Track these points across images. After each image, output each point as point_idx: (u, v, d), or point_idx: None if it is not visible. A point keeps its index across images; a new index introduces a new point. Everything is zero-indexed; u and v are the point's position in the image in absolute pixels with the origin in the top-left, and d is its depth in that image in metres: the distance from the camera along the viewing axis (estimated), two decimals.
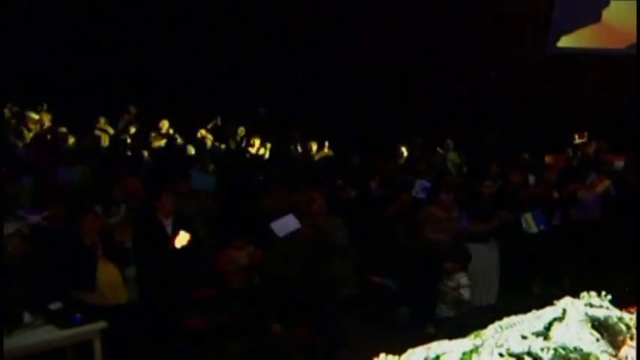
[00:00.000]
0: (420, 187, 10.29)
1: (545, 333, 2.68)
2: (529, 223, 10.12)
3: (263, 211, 9.79)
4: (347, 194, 10.30)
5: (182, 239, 8.10)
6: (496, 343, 2.55)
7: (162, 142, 15.11)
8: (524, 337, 2.63)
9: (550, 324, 2.72)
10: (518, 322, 2.80)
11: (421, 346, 2.63)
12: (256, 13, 19.78)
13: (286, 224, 8.76)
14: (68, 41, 20.76)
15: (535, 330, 2.70)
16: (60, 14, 20.57)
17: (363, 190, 10.52)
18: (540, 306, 2.86)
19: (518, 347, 2.52)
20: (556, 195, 10.93)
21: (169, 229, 8.31)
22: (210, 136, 15.57)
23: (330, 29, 19.06)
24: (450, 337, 2.62)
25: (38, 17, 19.90)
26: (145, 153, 13.37)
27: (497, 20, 17.71)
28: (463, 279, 8.89)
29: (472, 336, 2.69)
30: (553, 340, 2.61)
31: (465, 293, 8.84)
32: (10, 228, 8.18)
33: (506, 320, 2.82)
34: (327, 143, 15.53)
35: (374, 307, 9.22)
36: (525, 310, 2.88)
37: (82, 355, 6.93)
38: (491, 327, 2.78)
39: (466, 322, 8.96)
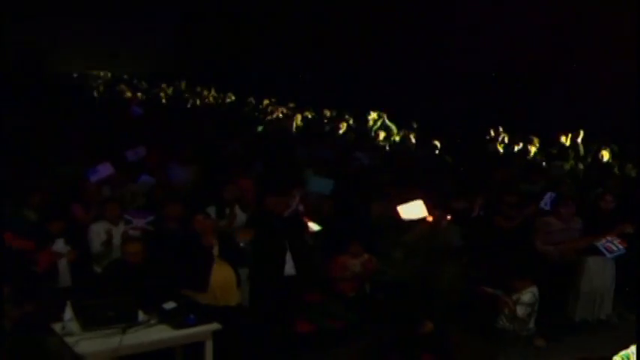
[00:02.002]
0: (548, 198, 10.01)
1: None
2: None
3: (372, 218, 9.70)
4: (461, 205, 10.04)
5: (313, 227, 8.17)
6: None
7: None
8: None
9: None
10: None
11: None
12: (376, 21, 19.87)
13: (413, 210, 8.67)
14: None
15: None
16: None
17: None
18: None
19: None
20: None
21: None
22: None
23: (450, 35, 18.92)
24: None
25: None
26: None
27: (604, 25, 17.05)
28: (526, 296, 8.53)
29: (618, 358, 2.52)
30: None
31: (520, 310, 8.49)
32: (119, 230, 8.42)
33: None
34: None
35: (483, 316, 8.98)
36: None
37: (190, 354, 6.99)
38: (633, 348, 2.60)
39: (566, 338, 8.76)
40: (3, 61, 21.52)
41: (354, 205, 9.92)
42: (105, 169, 9.87)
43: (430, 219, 8.94)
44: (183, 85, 24.06)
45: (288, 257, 8.35)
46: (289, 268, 8.34)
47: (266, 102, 21.02)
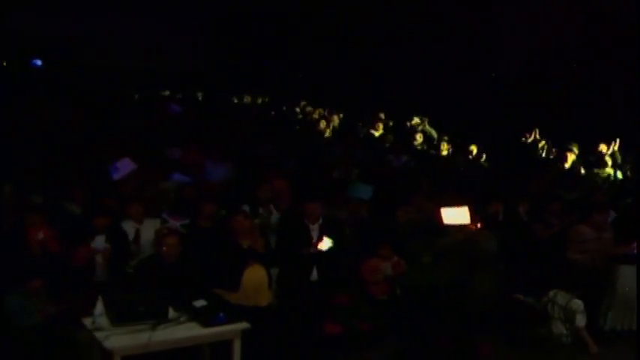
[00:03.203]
0: None
1: None
2: None
3: (398, 223, 9.68)
4: (494, 209, 9.97)
5: (325, 244, 8.13)
6: None
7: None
8: None
9: None
10: None
11: None
12: (408, 18, 19.86)
13: (457, 215, 8.68)
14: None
15: None
16: None
17: (511, 212, 10.14)
18: None
19: None
20: None
21: (315, 234, 8.37)
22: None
23: (490, 41, 18.84)
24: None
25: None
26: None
27: None
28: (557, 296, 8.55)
29: None
30: None
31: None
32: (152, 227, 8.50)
33: None
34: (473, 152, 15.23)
35: (515, 325, 8.92)
36: None
37: (218, 352, 7.01)
38: None
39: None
40: (44, 57, 21.92)
41: (384, 208, 9.91)
42: (126, 166, 9.76)
43: (472, 227, 8.88)
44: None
45: None
46: (314, 275, 8.39)
47: (303, 103, 21.07)
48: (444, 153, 15.29)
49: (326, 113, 19.28)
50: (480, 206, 9.58)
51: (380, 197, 10.13)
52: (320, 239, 8.25)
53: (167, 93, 21.50)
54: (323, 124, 17.63)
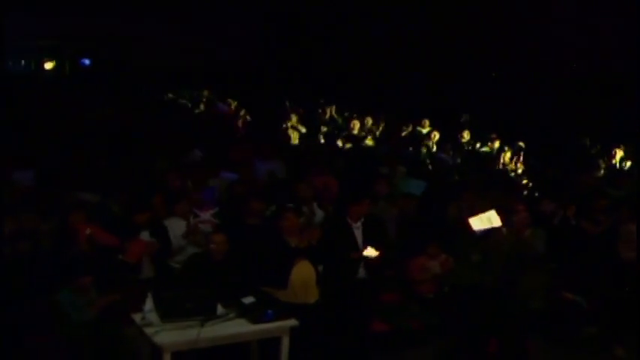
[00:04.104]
0: None
1: None
2: None
3: (449, 219, 9.60)
4: (547, 208, 9.84)
5: (369, 253, 8.06)
6: None
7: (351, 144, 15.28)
8: None
9: None
10: None
11: None
12: (452, 16, 19.73)
13: (485, 220, 8.53)
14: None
15: None
16: None
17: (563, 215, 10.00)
18: None
19: None
20: None
21: (358, 232, 8.31)
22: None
23: (531, 37, 18.66)
24: None
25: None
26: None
27: None
28: None
29: None
30: None
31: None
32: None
33: None
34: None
35: (561, 323, 8.82)
36: None
37: (265, 348, 7.05)
38: None
39: None
40: (93, 56, 22.20)
41: (432, 205, 9.85)
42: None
43: (504, 229, 8.76)
44: None
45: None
46: (361, 272, 8.30)
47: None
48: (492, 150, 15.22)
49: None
50: (532, 204, 9.51)
51: (428, 194, 10.09)
52: (365, 247, 8.19)
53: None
54: (369, 121, 17.59)
